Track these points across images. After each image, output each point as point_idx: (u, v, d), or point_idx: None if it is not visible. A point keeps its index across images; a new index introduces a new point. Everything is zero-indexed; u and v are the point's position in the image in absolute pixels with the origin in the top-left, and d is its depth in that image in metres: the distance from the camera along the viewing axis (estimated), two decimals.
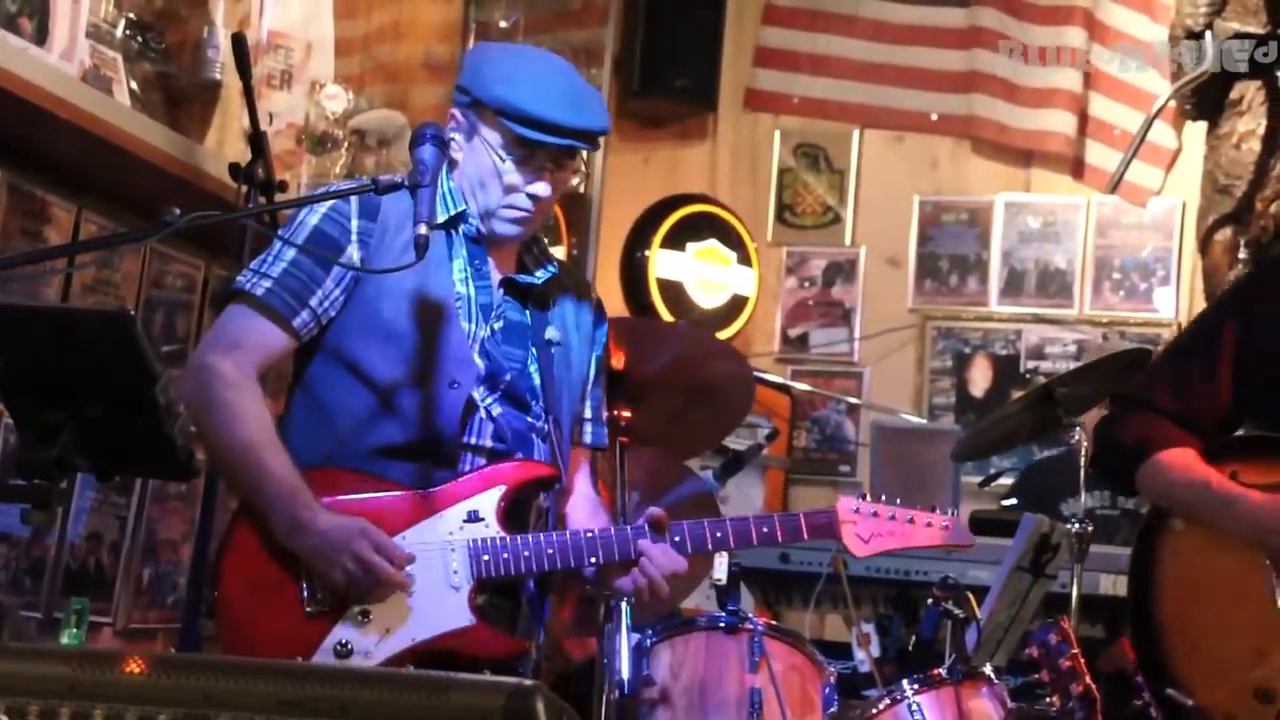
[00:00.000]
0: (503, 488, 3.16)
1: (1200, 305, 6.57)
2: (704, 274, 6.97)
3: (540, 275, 3.31)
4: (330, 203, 3.16)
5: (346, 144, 5.12)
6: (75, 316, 2.73)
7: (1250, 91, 6.35)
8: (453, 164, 3.26)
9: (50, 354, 2.43)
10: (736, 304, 7.03)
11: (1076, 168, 6.92)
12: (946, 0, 7.10)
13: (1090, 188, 6.89)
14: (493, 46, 3.53)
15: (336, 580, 3.03)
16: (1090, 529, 4.66)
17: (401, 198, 3.11)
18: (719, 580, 3.80)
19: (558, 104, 3.19)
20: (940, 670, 3.82)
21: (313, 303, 3.15)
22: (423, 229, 2.87)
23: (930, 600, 4.12)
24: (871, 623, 5.43)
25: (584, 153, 3.28)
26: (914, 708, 3.73)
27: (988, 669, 3.88)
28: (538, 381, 3.27)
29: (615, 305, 6.81)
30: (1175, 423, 3.33)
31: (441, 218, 3.21)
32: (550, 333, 3.31)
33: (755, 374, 4.34)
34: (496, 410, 3.22)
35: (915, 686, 3.76)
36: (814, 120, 7.28)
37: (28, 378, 2.44)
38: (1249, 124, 6.35)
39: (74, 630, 4.05)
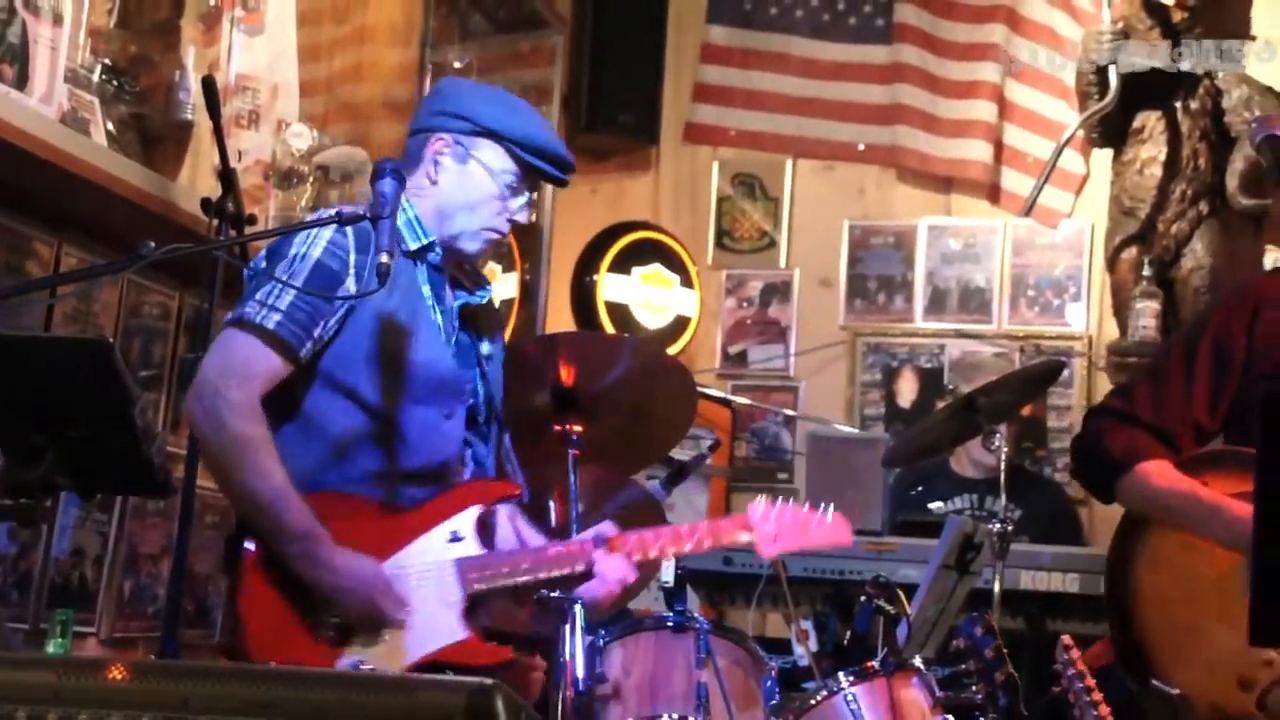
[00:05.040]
0: (478, 507, 3.20)
1: (1109, 319, 6.63)
2: (649, 296, 6.97)
3: (481, 295, 3.33)
4: (329, 236, 3.14)
5: (311, 179, 5.11)
6: (57, 345, 2.72)
7: (1151, 121, 6.41)
8: (424, 185, 3.26)
9: (34, 380, 2.42)
10: (680, 324, 7.03)
11: (993, 193, 6.96)
12: (871, 39, 7.13)
13: (1006, 211, 6.93)
14: (470, 82, 3.58)
15: (349, 616, 3.06)
16: (1010, 529, 4.68)
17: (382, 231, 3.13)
18: (666, 583, 3.81)
19: (557, 141, 3.30)
20: (874, 663, 3.82)
21: (316, 332, 3.13)
22: (384, 258, 2.87)
23: (864, 598, 4.13)
24: (809, 620, 5.43)
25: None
26: (850, 698, 3.73)
27: (918, 661, 3.89)
28: (483, 397, 3.29)
29: (566, 326, 6.80)
30: (1155, 435, 3.36)
31: (413, 245, 3.22)
32: (484, 348, 3.34)
33: (698, 389, 4.34)
34: (466, 434, 3.25)
35: (850, 679, 3.76)
36: (749, 151, 7.29)
37: (13, 402, 2.42)
38: (1150, 151, 6.40)
39: (59, 640, 4.02)
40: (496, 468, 3.31)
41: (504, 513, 3.33)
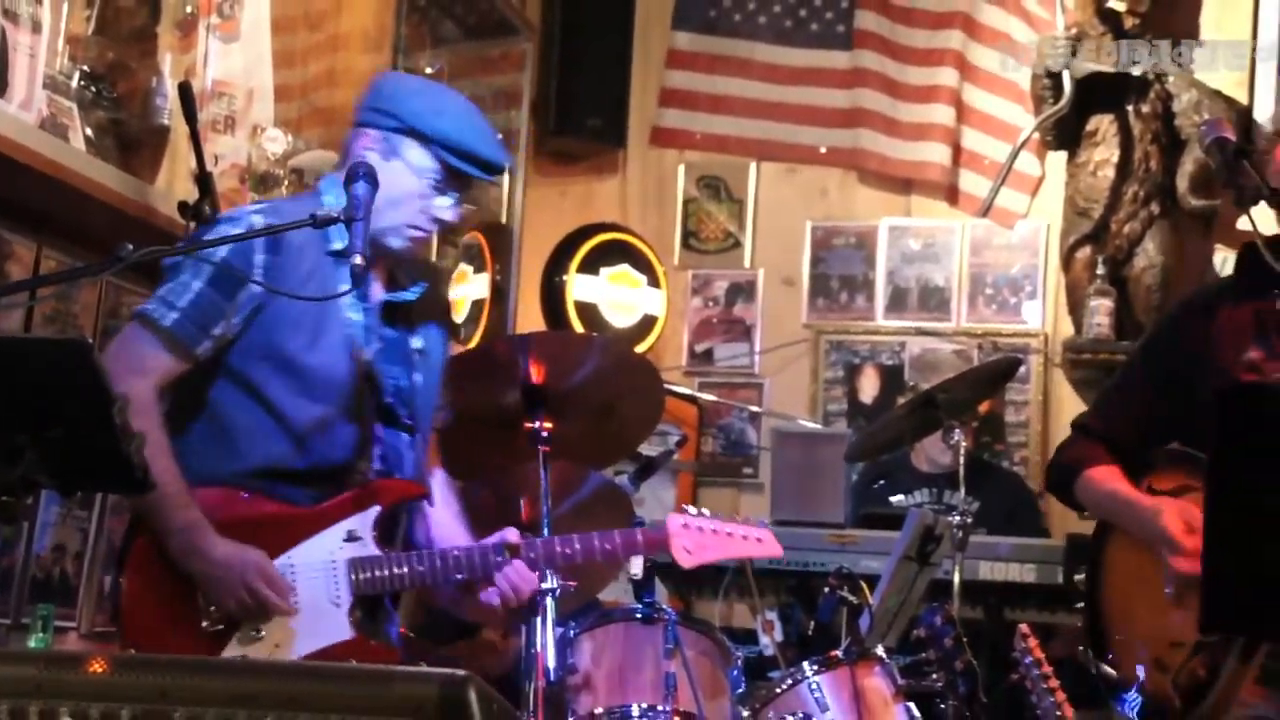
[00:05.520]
0: (378, 508, 3.17)
1: (1064, 317, 6.68)
2: (617, 296, 6.97)
3: (414, 291, 3.29)
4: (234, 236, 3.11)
5: (286, 182, 5.09)
6: (38, 345, 2.70)
7: (1104, 124, 6.45)
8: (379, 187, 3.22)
9: (14, 380, 2.40)
10: (647, 323, 7.04)
11: (951, 194, 6.98)
12: (832, 44, 7.14)
13: (964, 212, 6.94)
14: (410, 78, 3.51)
15: (228, 606, 3.03)
16: (970, 521, 4.70)
17: (302, 230, 3.09)
18: (636, 575, 3.80)
19: (487, 142, 3.22)
20: (837, 652, 3.84)
21: (215, 331, 3.10)
22: (358, 259, 2.85)
23: (827, 589, 4.15)
24: (774, 610, 5.45)
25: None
26: (814, 687, 3.75)
27: (880, 650, 3.91)
28: (408, 391, 3.26)
29: (536, 326, 6.80)
30: (1103, 443, 3.47)
31: (338, 244, 3.16)
32: (415, 342, 3.30)
33: (665, 386, 4.34)
34: (380, 432, 3.21)
35: (815, 668, 3.78)
36: (715, 154, 7.29)
37: None
38: (1104, 153, 6.45)
39: (41, 634, 4.01)
40: (408, 465, 3.28)
41: (419, 512, 3.31)
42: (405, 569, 3.15)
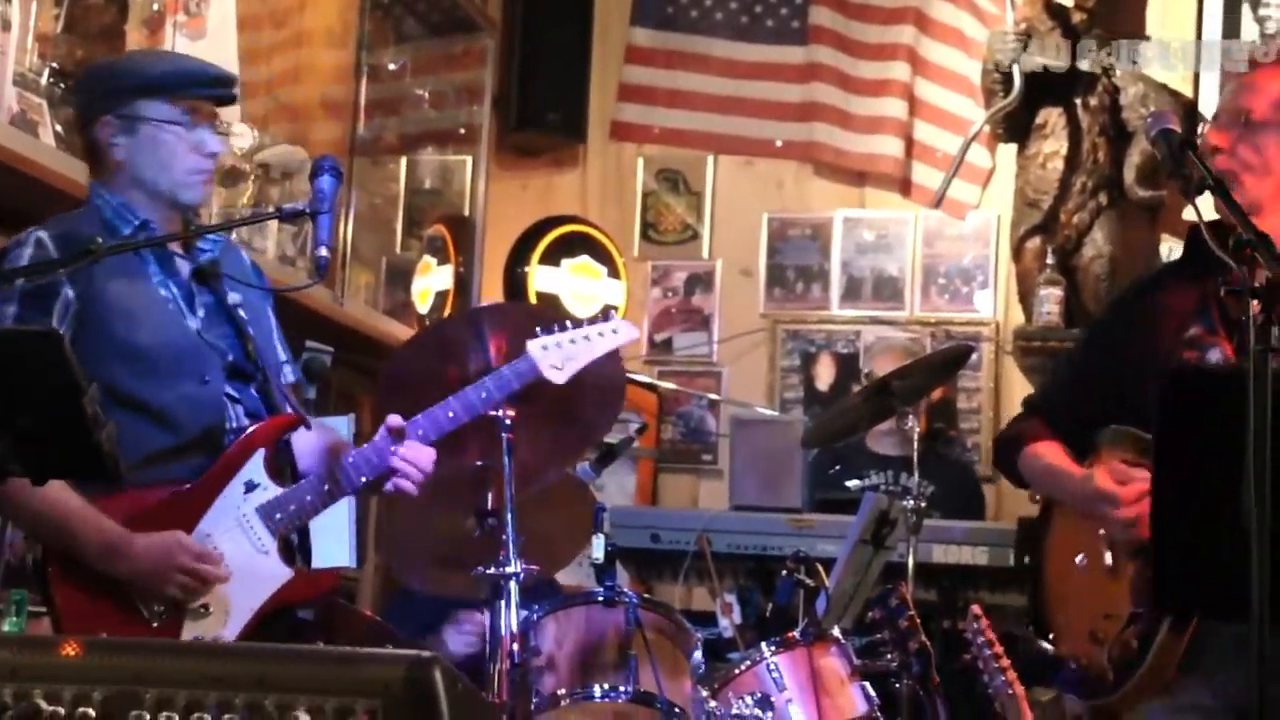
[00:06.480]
0: (262, 450, 3.13)
1: (1015, 306, 6.72)
2: (578, 287, 6.98)
3: (213, 247, 3.24)
4: (30, 254, 3.06)
5: (253, 177, 5.09)
6: (9, 336, 2.70)
7: (1053, 118, 6.49)
8: (114, 172, 3.17)
9: None
10: (608, 313, 7.03)
11: (905, 186, 7.00)
12: (787, 40, 7.16)
13: (917, 204, 6.97)
14: (104, 61, 3.48)
15: (168, 595, 3.00)
16: (924, 505, 4.73)
17: (91, 226, 3.06)
18: (597, 559, 3.82)
19: (193, 65, 3.25)
20: (794, 634, 3.86)
21: None
22: (323, 251, 2.86)
23: (785, 572, 4.18)
24: (733, 593, 5.47)
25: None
26: (772, 667, 3.77)
27: (836, 631, 3.94)
28: (246, 349, 3.21)
29: None
30: (1045, 420, 3.44)
31: (128, 232, 3.12)
32: (232, 298, 3.24)
33: (626, 375, 4.35)
34: (234, 393, 3.17)
35: (773, 649, 3.80)
36: (673, 148, 7.30)
37: None
38: (1053, 146, 6.49)
39: (14, 619, 3.99)
40: (271, 409, 3.22)
41: (298, 442, 3.26)
42: (312, 496, 3.14)
